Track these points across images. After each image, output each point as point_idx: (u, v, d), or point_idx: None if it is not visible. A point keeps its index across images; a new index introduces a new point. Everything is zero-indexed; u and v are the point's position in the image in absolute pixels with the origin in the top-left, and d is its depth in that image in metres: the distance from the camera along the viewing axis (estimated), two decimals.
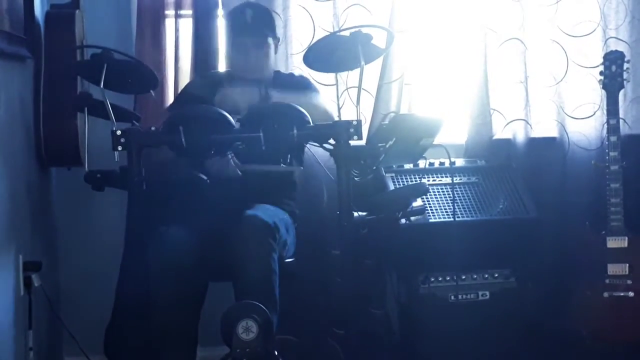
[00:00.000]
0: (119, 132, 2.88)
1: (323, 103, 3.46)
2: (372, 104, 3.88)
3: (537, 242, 3.69)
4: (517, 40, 3.94)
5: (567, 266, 3.78)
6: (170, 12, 3.84)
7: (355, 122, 2.91)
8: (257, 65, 3.45)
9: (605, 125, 3.73)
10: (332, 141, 2.95)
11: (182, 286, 3.07)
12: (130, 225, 3.28)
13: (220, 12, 3.80)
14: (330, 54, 3.11)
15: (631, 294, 3.61)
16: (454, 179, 3.66)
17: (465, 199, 3.64)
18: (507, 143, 3.98)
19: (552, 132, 4.01)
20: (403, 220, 3.36)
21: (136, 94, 3.64)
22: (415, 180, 3.66)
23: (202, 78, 3.66)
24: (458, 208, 3.57)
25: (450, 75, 4.04)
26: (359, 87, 3.04)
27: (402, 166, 3.69)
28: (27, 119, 3.36)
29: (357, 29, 3.06)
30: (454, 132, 3.99)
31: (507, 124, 3.98)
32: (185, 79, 3.80)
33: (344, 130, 2.91)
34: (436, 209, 3.58)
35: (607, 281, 3.64)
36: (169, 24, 3.84)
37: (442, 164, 3.73)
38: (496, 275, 3.58)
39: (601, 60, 3.78)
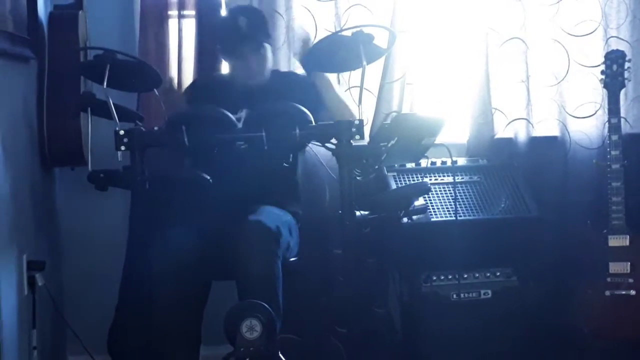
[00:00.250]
0: (122, 132, 2.89)
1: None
2: (374, 103, 3.89)
3: (538, 240, 3.70)
4: (519, 39, 3.95)
5: (568, 265, 3.79)
6: (173, 12, 3.84)
7: (357, 122, 2.92)
8: (258, 72, 3.43)
9: (607, 124, 3.73)
10: (334, 140, 2.96)
11: (184, 286, 3.07)
12: (133, 225, 3.29)
13: (223, 12, 3.81)
14: (332, 54, 3.11)
15: (633, 292, 3.62)
16: (456, 178, 3.67)
17: (467, 198, 3.65)
18: (509, 142, 3.98)
19: (554, 131, 4.02)
20: (405, 220, 3.35)
21: (140, 92, 3.64)
22: (417, 180, 3.66)
23: (205, 79, 3.66)
24: (460, 207, 3.57)
25: (451, 74, 4.05)
26: (361, 87, 3.05)
27: (404, 165, 3.70)
28: (31, 119, 3.36)
29: (358, 29, 3.07)
30: (455, 131, 3.99)
31: (509, 123, 3.98)
32: (188, 79, 3.81)
33: (346, 129, 2.92)
34: (438, 208, 3.58)
35: (608, 279, 3.64)
36: (172, 24, 3.84)
37: (444, 163, 3.74)
38: (498, 274, 3.59)
39: (602, 60, 3.79)
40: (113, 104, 2.97)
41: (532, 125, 3.98)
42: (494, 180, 3.74)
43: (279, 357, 2.94)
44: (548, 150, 4.00)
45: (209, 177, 3.04)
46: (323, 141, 3.01)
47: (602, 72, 3.76)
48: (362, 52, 3.02)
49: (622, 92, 3.76)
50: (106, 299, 3.56)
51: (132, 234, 3.48)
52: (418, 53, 3.94)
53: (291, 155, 3.16)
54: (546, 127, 4.02)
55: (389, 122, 3.50)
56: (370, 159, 3.03)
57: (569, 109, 4.00)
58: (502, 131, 3.99)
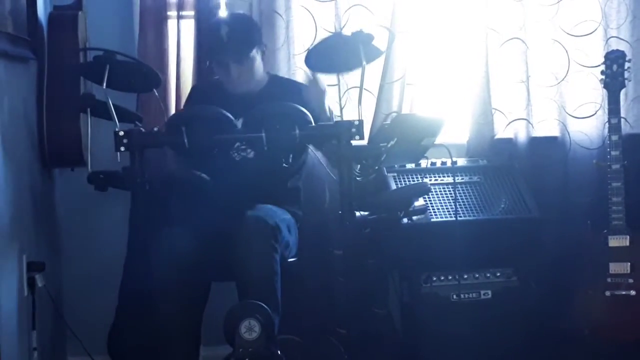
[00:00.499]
0: (121, 133, 2.89)
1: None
2: (373, 104, 3.89)
3: (538, 241, 3.69)
4: (519, 40, 3.94)
5: (568, 265, 3.79)
6: (172, 13, 3.84)
7: (357, 122, 2.92)
8: (240, 81, 3.38)
9: (607, 125, 3.72)
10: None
11: (184, 286, 3.08)
12: (133, 226, 3.29)
13: (222, 13, 3.81)
14: (331, 55, 3.11)
15: (633, 292, 3.61)
16: (456, 178, 3.67)
17: (467, 199, 3.64)
18: (509, 142, 3.98)
19: (554, 131, 4.02)
20: (405, 220, 3.36)
21: (139, 93, 3.65)
22: (417, 180, 3.66)
23: (204, 84, 3.66)
24: (460, 207, 3.57)
25: (451, 75, 4.05)
26: (361, 87, 3.05)
27: (404, 166, 3.70)
28: (31, 120, 3.36)
29: (358, 29, 3.07)
30: (455, 131, 3.99)
31: (509, 123, 3.98)
32: (187, 80, 3.81)
33: (345, 130, 2.92)
34: (438, 209, 3.58)
35: (608, 280, 3.64)
36: (171, 25, 3.84)
37: (444, 163, 3.74)
38: (498, 274, 3.59)
39: (602, 60, 3.78)
40: (112, 104, 2.98)
41: (532, 125, 3.98)
42: (494, 180, 3.73)
43: (279, 356, 2.95)
44: (548, 150, 4.00)
45: (208, 178, 3.04)
46: (323, 142, 3.00)
47: (602, 72, 3.75)
48: (361, 52, 3.01)
49: (622, 92, 3.76)
50: (106, 300, 3.57)
51: (132, 235, 3.49)
52: (418, 53, 3.94)
53: (291, 155, 3.15)
54: (546, 128, 4.02)
55: (388, 122, 3.50)
56: (370, 160, 3.03)
57: (569, 109, 4.00)
58: (502, 131, 3.99)
